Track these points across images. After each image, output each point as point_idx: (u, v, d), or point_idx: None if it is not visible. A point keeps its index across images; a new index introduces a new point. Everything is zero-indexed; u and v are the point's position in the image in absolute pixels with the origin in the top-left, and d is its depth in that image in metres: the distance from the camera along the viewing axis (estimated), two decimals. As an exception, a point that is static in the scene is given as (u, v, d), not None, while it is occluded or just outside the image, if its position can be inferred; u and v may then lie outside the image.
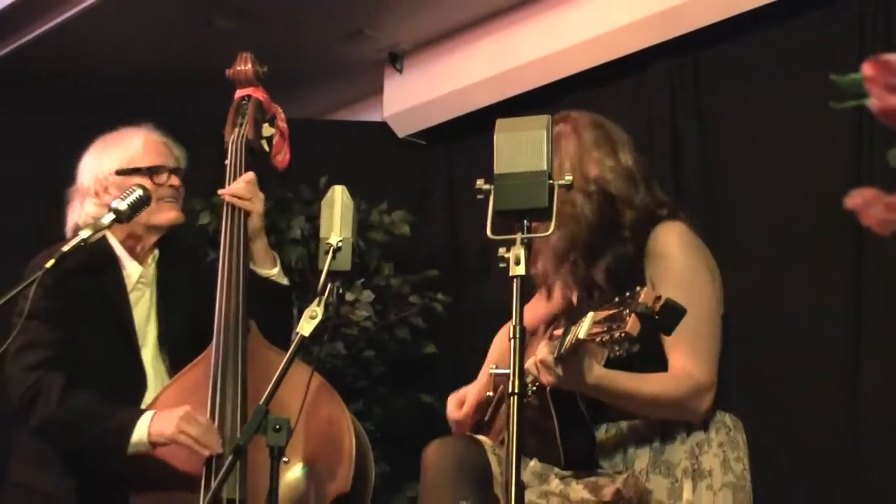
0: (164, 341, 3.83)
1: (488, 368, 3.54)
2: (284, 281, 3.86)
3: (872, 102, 1.69)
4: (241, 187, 3.75)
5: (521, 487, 2.52)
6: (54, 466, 3.68)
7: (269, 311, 3.78)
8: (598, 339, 2.77)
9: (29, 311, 3.37)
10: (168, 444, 3.50)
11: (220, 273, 3.72)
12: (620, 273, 3.28)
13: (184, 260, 3.97)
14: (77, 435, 3.57)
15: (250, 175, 3.78)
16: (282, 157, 3.97)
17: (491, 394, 3.52)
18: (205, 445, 3.46)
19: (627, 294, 2.75)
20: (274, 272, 3.83)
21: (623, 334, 2.69)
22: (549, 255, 3.37)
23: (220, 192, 3.79)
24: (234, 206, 3.77)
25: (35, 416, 3.60)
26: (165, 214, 3.82)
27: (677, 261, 3.31)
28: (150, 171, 3.78)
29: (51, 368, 3.61)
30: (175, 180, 3.84)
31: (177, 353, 3.79)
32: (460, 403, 3.64)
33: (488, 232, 2.67)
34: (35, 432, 3.67)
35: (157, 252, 3.88)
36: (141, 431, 3.50)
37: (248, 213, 3.74)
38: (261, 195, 3.79)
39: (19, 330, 3.29)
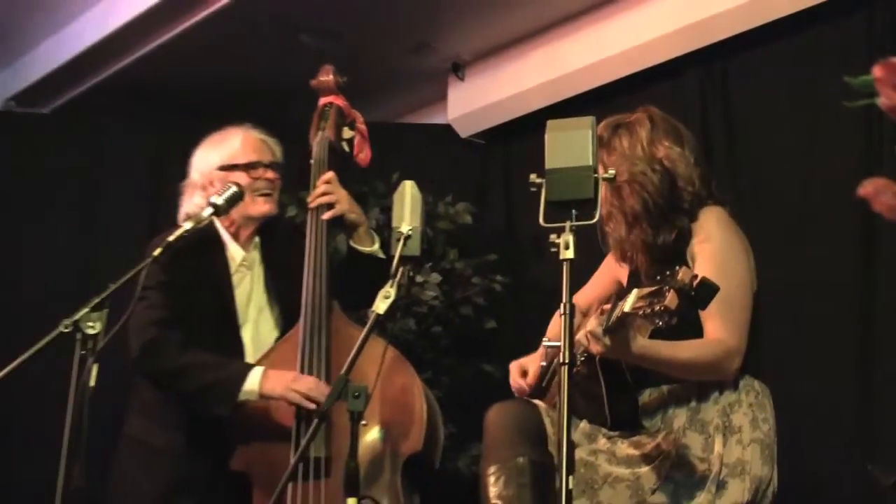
0: (283, 315, 3.84)
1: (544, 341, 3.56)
2: (382, 255, 3.83)
3: (882, 101, 1.67)
4: (321, 188, 3.77)
5: (571, 446, 2.53)
6: (166, 422, 3.70)
7: (371, 279, 3.77)
8: (641, 312, 2.75)
9: (146, 284, 3.39)
10: (276, 400, 3.52)
11: (305, 262, 3.74)
12: (675, 246, 3.30)
13: (284, 242, 3.97)
14: (193, 380, 3.57)
15: (329, 175, 3.79)
16: (364, 155, 3.99)
17: (544, 363, 3.51)
18: (313, 399, 3.47)
19: (668, 273, 2.73)
20: (374, 248, 3.82)
21: (663, 308, 2.68)
22: (623, 220, 3.38)
23: (308, 201, 3.80)
24: (317, 211, 3.80)
25: (155, 364, 3.62)
26: (260, 207, 3.84)
27: (716, 239, 3.31)
28: (248, 167, 3.81)
29: (169, 326, 3.64)
30: (270, 174, 3.86)
31: (291, 325, 3.78)
32: (521, 371, 3.63)
33: (541, 220, 2.67)
34: (154, 379, 3.68)
35: (257, 239, 3.90)
36: (253, 382, 3.52)
37: (331, 207, 3.76)
38: (343, 190, 3.79)
39: (139, 297, 3.30)
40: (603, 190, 3.28)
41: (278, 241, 3.94)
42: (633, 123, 3.42)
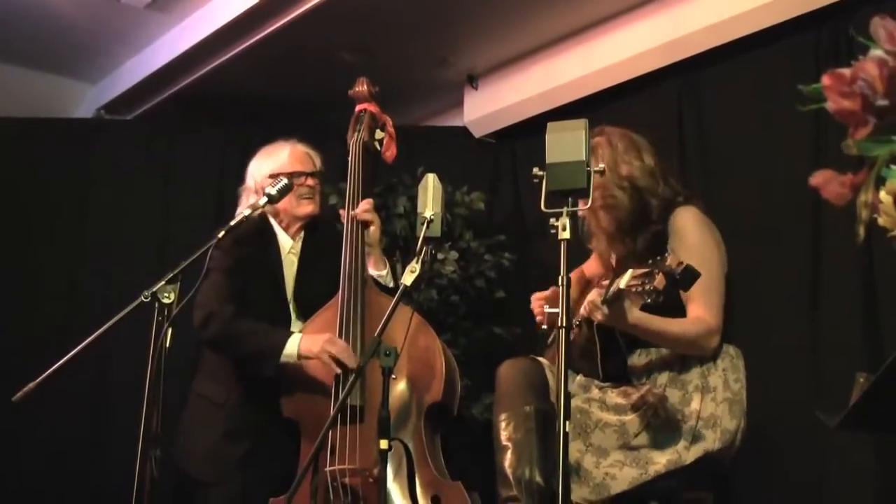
0: (298, 297, 3.86)
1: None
2: (390, 283, 3.84)
3: (829, 105, 1.66)
4: (362, 209, 3.78)
5: (568, 397, 2.51)
6: (225, 381, 3.72)
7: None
8: (634, 290, 2.75)
9: (211, 266, 3.41)
10: (312, 359, 3.53)
11: (344, 243, 3.76)
12: (652, 246, 3.26)
13: (323, 240, 3.99)
14: (241, 345, 3.60)
15: (369, 200, 3.81)
16: (390, 153, 3.98)
17: (545, 327, 3.50)
18: (342, 361, 3.50)
19: (658, 258, 2.73)
20: (383, 273, 3.84)
21: (652, 287, 2.68)
22: (604, 236, 3.41)
23: (353, 213, 3.79)
24: (353, 200, 3.80)
25: (211, 332, 3.62)
26: (304, 208, 3.91)
27: (692, 235, 3.29)
28: (293, 176, 3.82)
29: (225, 302, 3.65)
30: (311, 181, 3.93)
31: (308, 305, 3.81)
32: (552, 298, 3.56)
33: (542, 206, 2.66)
34: (210, 344, 3.71)
35: (303, 233, 3.94)
36: (292, 346, 3.54)
37: (367, 226, 3.77)
38: (376, 217, 3.82)
39: (204, 278, 3.31)
40: (586, 213, 3.31)
41: (318, 241, 3.98)
42: (594, 148, 3.32)
